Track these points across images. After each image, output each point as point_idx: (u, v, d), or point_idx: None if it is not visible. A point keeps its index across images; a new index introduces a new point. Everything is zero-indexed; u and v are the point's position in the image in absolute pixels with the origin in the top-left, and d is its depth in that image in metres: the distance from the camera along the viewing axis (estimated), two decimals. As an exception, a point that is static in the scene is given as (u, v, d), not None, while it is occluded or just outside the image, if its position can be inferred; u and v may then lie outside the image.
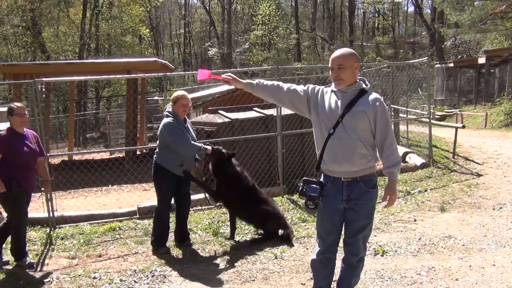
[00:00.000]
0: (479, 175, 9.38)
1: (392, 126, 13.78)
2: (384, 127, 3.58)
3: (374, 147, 3.64)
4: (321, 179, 3.73)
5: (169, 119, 5.75)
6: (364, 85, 3.63)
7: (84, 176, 10.00)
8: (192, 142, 5.78)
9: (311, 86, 3.78)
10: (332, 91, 3.68)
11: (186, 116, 6.01)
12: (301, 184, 3.68)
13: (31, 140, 5.54)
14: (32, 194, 5.74)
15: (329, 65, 3.63)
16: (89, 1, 32.42)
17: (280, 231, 6.21)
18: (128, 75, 12.12)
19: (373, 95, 3.63)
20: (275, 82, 3.74)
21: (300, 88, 3.74)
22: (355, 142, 3.51)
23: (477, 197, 7.84)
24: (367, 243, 5.64)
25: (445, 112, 24.09)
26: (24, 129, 5.53)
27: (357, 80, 3.63)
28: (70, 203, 8.98)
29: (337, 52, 3.64)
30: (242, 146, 8.70)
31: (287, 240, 6.06)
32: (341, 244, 3.81)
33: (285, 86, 3.72)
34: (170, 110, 5.86)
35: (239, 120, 9.04)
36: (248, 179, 6.30)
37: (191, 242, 6.22)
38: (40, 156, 5.69)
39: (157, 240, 5.97)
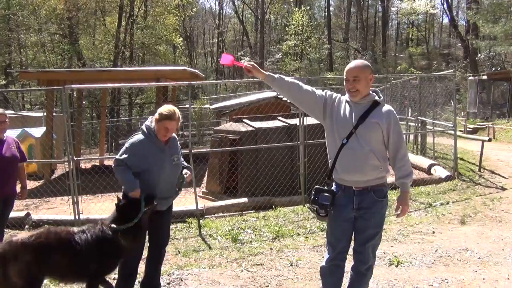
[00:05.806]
0: (503, 189, 9.26)
1: (419, 138, 13.56)
2: (397, 139, 3.65)
3: (386, 159, 3.70)
4: (333, 188, 3.80)
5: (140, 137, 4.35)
6: (377, 97, 3.71)
7: (112, 181, 10.20)
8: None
9: (329, 92, 3.85)
10: (346, 101, 3.77)
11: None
12: (313, 192, 3.75)
13: (11, 145, 5.52)
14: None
15: (344, 77, 3.70)
16: (124, 10, 33.10)
17: None
18: (156, 83, 12.39)
19: (386, 107, 3.70)
20: (296, 81, 3.81)
21: (319, 92, 3.81)
22: (368, 153, 3.58)
23: (499, 211, 7.75)
24: (383, 253, 5.75)
25: (477, 125, 23.67)
26: (4, 135, 5.49)
27: (370, 92, 3.71)
28: (96, 207, 9.21)
29: (352, 64, 3.72)
30: (264, 154, 8.83)
31: None
32: (350, 252, 3.87)
33: (305, 86, 3.79)
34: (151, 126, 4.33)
35: (262, 129, 9.15)
36: None
37: None
38: (21, 161, 5.65)
39: None
